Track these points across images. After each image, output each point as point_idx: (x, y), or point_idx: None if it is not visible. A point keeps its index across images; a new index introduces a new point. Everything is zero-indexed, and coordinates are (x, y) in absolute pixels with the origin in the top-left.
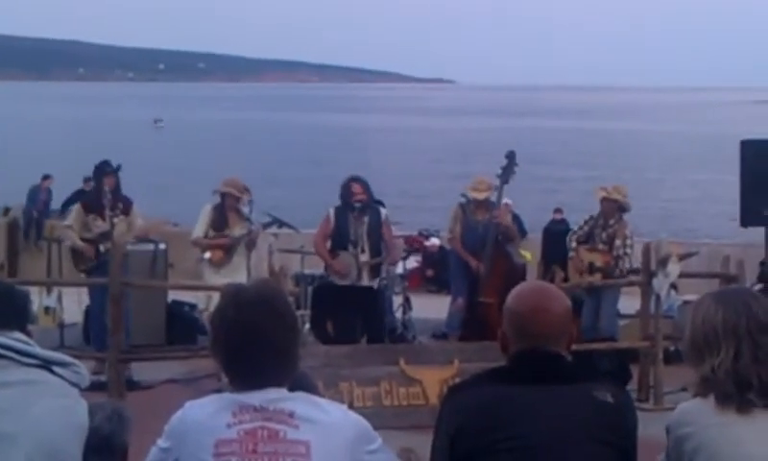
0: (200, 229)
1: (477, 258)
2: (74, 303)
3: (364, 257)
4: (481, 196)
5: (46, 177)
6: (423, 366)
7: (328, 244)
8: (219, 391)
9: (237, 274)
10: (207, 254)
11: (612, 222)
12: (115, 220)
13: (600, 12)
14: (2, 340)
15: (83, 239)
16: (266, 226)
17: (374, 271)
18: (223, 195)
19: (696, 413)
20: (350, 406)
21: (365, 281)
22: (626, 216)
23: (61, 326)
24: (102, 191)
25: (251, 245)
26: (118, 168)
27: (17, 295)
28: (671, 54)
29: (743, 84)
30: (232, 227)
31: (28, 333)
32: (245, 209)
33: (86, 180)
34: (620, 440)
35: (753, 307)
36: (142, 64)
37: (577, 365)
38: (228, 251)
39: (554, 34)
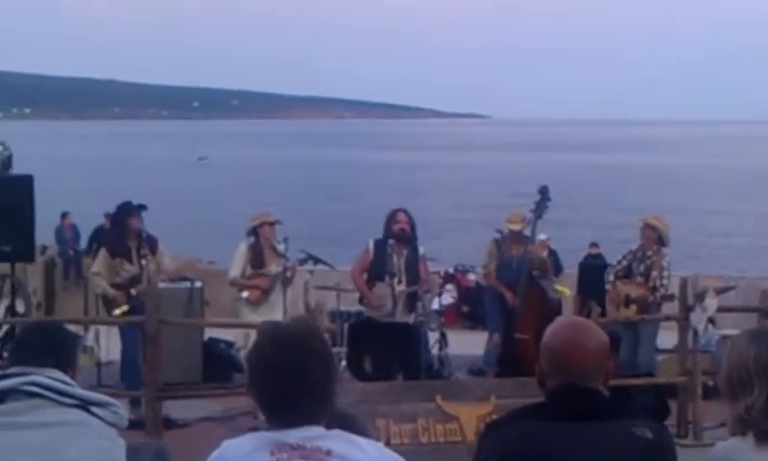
0: (236, 268)
1: (512, 293)
2: (111, 342)
3: (400, 287)
4: (516, 227)
5: (65, 214)
6: (460, 402)
7: (365, 276)
8: (255, 429)
9: (274, 311)
10: (245, 293)
11: (650, 253)
12: (143, 261)
13: (633, 46)
14: (39, 379)
15: (113, 285)
16: (302, 262)
17: (410, 301)
18: (256, 233)
19: (735, 452)
20: (387, 443)
21: (400, 312)
22: (664, 250)
23: (99, 364)
24: (126, 233)
25: (287, 282)
26: (141, 207)
27: (59, 334)
28: (712, 88)
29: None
30: (269, 264)
31: (71, 373)
32: (280, 246)
33: (107, 215)
34: None
35: None
36: (177, 102)
37: (615, 401)
38: (266, 289)
39: (588, 68)
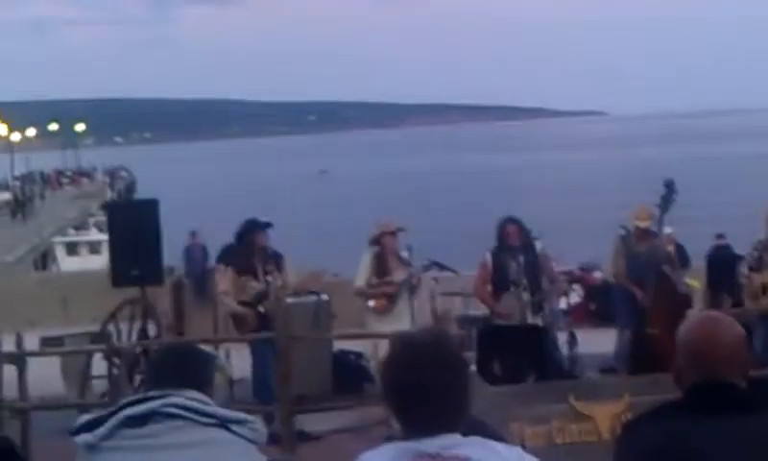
0: (361, 277)
1: (641, 289)
2: (242, 359)
3: (526, 296)
4: (643, 224)
5: (194, 234)
6: (594, 402)
7: (489, 287)
8: (390, 438)
9: (401, 320)
10: (371, 303)
11: None
12: (269, 278)
13: (751, 32)
14: (179, 400)
15: (240, 302)
16: (425, 269)
17: (538, 308)
18: (380, 241)
19: None
20: (522, 446)
21: (529, 320)
22: None
23: (231, 382)
24: (252, 250)
25: (414, 290)
26: (267, 225)
27: (194, 355)
28: None
29: None
30: (393, 272)
31: (209, 393)
32: (404, 254)
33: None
34: None
35: None
36: (292, 118)
37: (755, 393)
38: (392, 298)
39: (705, 58)
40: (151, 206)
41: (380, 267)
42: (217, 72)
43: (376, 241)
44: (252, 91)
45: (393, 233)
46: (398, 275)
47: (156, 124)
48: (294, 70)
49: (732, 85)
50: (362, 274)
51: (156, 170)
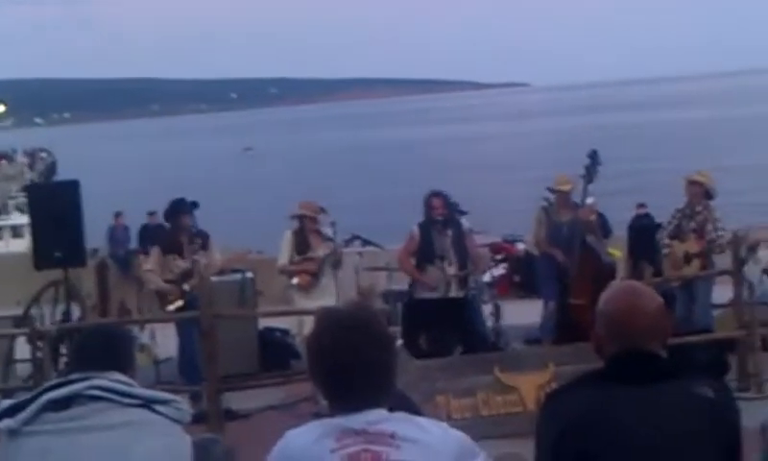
0: (284, 255)
1: (565, 257)
2: (167, 338)
3: (451, 270)
4: (565, 188)
5: (118, 214)
6: (519, 373)
7: (413, 261)
8: (317, 414)
9: (326, 295)
10: (295, 279)
11: (699, 209)
12: (195, 256)
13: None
14: (102, 382)
15: (165, 281)
16: (347, 242)
17: (463, 283)
18: (301, 218)
19: None
20: (448, 419)
21: (454, 293)
22: (712, 203)
23: (156, 362)
24: (178, 229)
25: (336, 265)
26: (194, 205)
27: (116, 336)
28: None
29: None
30: (315, 248)
31: (131, 375)
32: (327, 230)
33: (151, 214)
34: (724, 435)
35: None
36: (214, 95)
37: (674, 361)
38: (315, 273)
39: (624, 26)
40: (72, 188)
41: (301, 244)
42: (137, 51)
43: (298, 218)
44: (174, 69)
45: (312, 219)
46: (320, 251)
47: (76, 104)
48: (214, 48)
49: (656, 54)
50: (284, 251)
51: (78, 151)
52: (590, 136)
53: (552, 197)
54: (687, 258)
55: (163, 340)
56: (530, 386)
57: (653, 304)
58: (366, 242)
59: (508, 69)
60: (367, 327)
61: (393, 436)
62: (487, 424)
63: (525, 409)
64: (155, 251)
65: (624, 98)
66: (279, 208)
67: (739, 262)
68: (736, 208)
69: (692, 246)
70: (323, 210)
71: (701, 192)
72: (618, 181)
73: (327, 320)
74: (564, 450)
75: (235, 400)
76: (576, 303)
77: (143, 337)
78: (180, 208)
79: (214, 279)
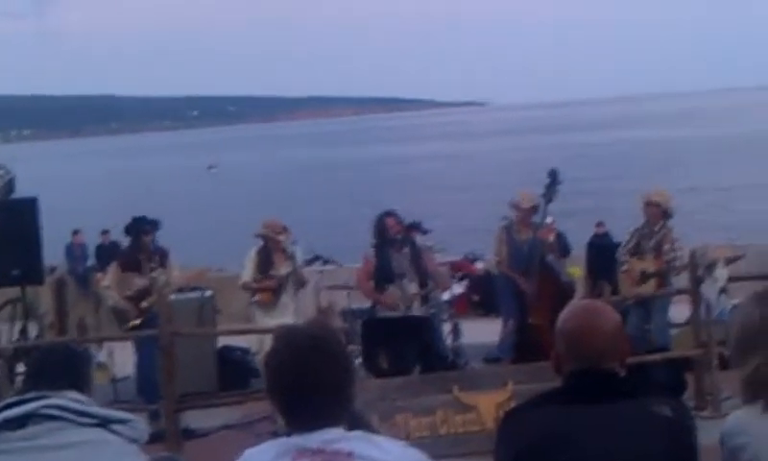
0: (247, 272)
1: (524, 278)
2: (125, 357)
3: (412, 288)
4: (526, 204)
5: (76, 232)
6: (478, 391)
7: (372, 283)
8: (275, 433)
9: (286, 314)
10: (257, 297)
11: (656, 228)
12: (153, 274)
13: (623, 22)
14: (58, 401)
15: (124, 297)
16: (309, 262)
17: (424, 300)
18: (265, 237)
19: (748, 421)
20: (407, 438)
21: (413, 312)
22: (670, 223)
23: (114, 380)
24: (139, 247)
25: (299, 284)
26: (155, 224)
27: (72, 355)
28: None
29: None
30: (278, 267)
31: (88, 394)
32: (291, 248)
33: (104, 232)
34: (681, 453)
35: None
36: (176, 113)
37: (632, 380)
38: (276, 291)
39: (583, 47)
40: (30, 205)
41: (264, 262)
42: (98, 68)
43: (261, 237)
44: (135, 87)
45: (275, 241)
46: (282, 269)
47: (36, 121)
48: (175, 65)
49: (614, 74)
50: (247, 269)
51: (37, 168)
52: (550, 156)
53: (513, 216)
54: (644, 277)
55: (121, 358)
56: (489, 405)
57: (612, 323)
58: (326, 261)
59: (467, 88)
60: (325, 347)
61: (350, 455)
62: (446, 443)
63: (484, 428)
64: (113, 268)
65: (584, 118)
66: (242, 226)
67: (697, 281)
68: (694, 228)
69: (650, 265)
70: (285, 229)
71: (659, 212)
72: (577, 200)
73: (285, 339)
74: None
75: (194, 419)
76: (535, 323)
77: (101, 355)
78: (140, 227)
79: (173, 296)
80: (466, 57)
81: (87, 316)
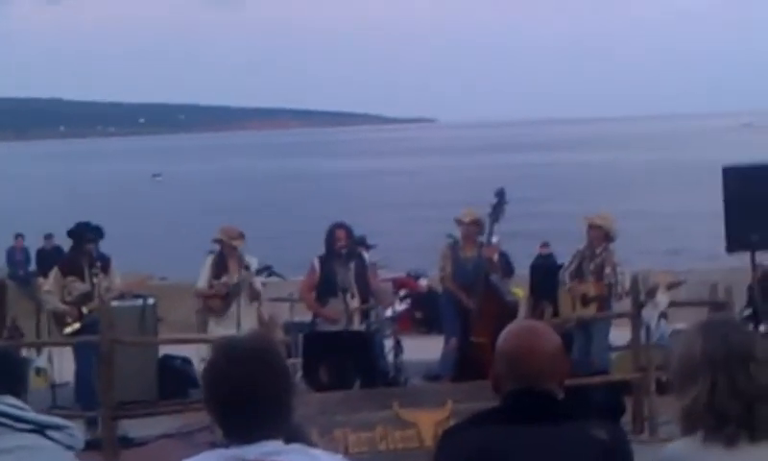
0: (202, 279)
1: (468, 296)
2: (64, 363)
3: (354, 303)
4: (467, 218)
5: (18, 236)
6: (417, 409)
7: (314, 294)
8: (213, 444)
9: (233, 324)
10: (209, 303)
11: (599, 251)
12: (95, 280)
13: (577, 45)
14: None
15: (64, 302)
16: (259, 272)
17: (365, 316)
18: (221, 243)
19: (686, 452)
20: (346, 452)
21: (355, 326)
22: (612, 246)
23: (53, 386)
24: (80, 253)
25: (252, 295)
26: (98, 231)
27: (9, 359)
28: (657, 82)
29: (730, 109)
30: (232, 274)
31: (23, 398)
32: (248, 258)
33: (47, 237)
34: None
35: (731, 338)
36: (123, 119)
37: (570, 402)
38: (225, 299)
39: (531, 68)
40: None
41: (219, 268)
42: (45, 71)
43: (218, 243)
44: (83, 91)
45: (232, 247)
46: (235, 276)
47: None
48: (123, 71)
49: (562, 96)
50: (202, 275)
51: None
52: (496, 175)
53: (458, 234)
54: (584, 301)
55: (61, 364)
56: (428, 422)
57: (551, 345)
58: (270, 272)
59: (414, 105)
60: (264, 358)
61: None
62: (385, 459)
63: (422, 445)
64: (54, 272)
65: (532, 138)
66: (186, 236)
67: (638, 305)
68: (635, 252)
69: (590, 288)
70: (241, 236)
71: (601, 235)
72: (522, 221)
73: (224, 349)
74: None
75: (132, 428)
76: (477, 341)
77: (40, 361)
78: (83, 233)
79: (115, 303)
80: (413, 72)
81: (26, 320)
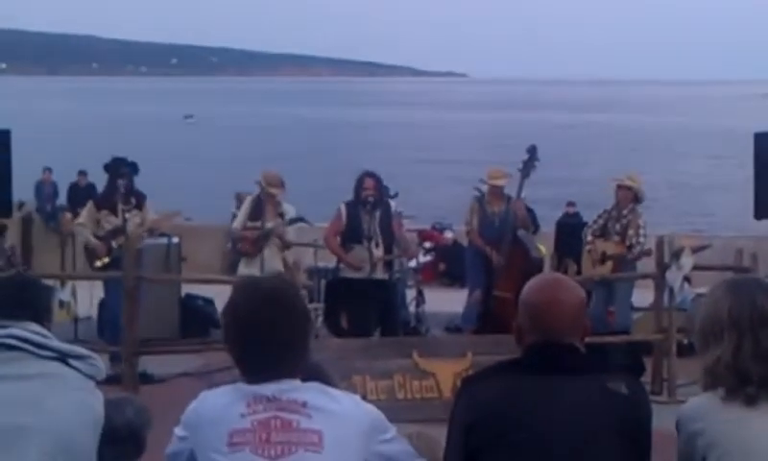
0: (239, 220)
1: (494, 251)
2: (88, 297)
3: (378, 252)
4: (498, 182)
5: (47, 170)
6: (437, 359)
7: (339, 240)
8: (233, 383)
9: (266, 268)
10: (239, 246)
11: (625, 212)
12: (128, 215)
13: (610, 7)
14: (19, 332)
15: (96, 236)
16: (291, 221)
17: (388, 265)
18: (262, 188)
19: (706, 408)
20: (363, 399)
21: (378, 275)
22: (640, 208)
23: (75, 319)
24: (115, 188)
25: (284, 244)
26: (133, 167)
27: (36, 287)
28: (682, 48)
29: (751, 77)
30: (269, 219)
31: (47, 327)
32: (285, 207)
33: (81, 173)
34: (634, 431)
35: (759, 300)
36: (155, 59)
37: (592, 357)
38: (256, 243)
39: (565, 27)
40: (2, 137)
41: (256, 212)
42: (81, 7)
43: (258, 185)
44: (117, 29)
45: (271, 195)
46: (270, 223)
47: (13, 55)
48: (157, 12)
49: (593, 57)
50: (241, 216)
51: (11, 102)
52: (523, 132)
53: (484, 188)
54: (603, 258)
55: (85, 298)
56: (447, 373)
57: (574, 298)
58: (297, 218)
59: (447, 58)
60: (281, 299)
61: (304, 405)
62: (402, 408)
63: (441, 396)
64: (89, 205)
65: (565, 97)
66: (214, 179)
67: (662, 267)
68: (662, 215)
69: (611, 247)
70: (282, 184)
71: (630, 196)
72: (551, 178)
73: (244, 291)
74: (474, 438)
75: (152, 365)
76: (501, 295)
77: (64, 294)
78: (119, 167)
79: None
80: (444, 26)
81: (52, 254)
